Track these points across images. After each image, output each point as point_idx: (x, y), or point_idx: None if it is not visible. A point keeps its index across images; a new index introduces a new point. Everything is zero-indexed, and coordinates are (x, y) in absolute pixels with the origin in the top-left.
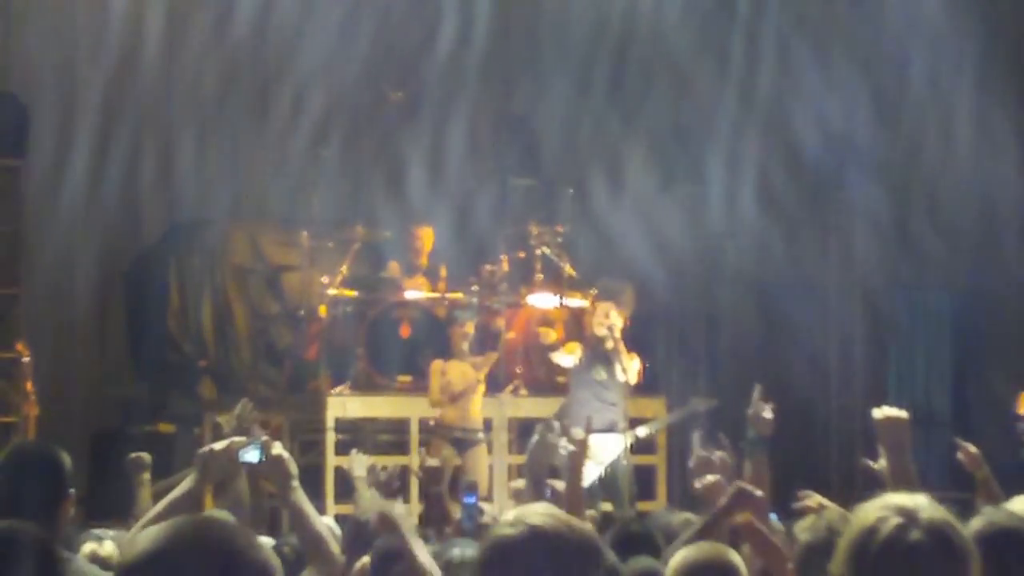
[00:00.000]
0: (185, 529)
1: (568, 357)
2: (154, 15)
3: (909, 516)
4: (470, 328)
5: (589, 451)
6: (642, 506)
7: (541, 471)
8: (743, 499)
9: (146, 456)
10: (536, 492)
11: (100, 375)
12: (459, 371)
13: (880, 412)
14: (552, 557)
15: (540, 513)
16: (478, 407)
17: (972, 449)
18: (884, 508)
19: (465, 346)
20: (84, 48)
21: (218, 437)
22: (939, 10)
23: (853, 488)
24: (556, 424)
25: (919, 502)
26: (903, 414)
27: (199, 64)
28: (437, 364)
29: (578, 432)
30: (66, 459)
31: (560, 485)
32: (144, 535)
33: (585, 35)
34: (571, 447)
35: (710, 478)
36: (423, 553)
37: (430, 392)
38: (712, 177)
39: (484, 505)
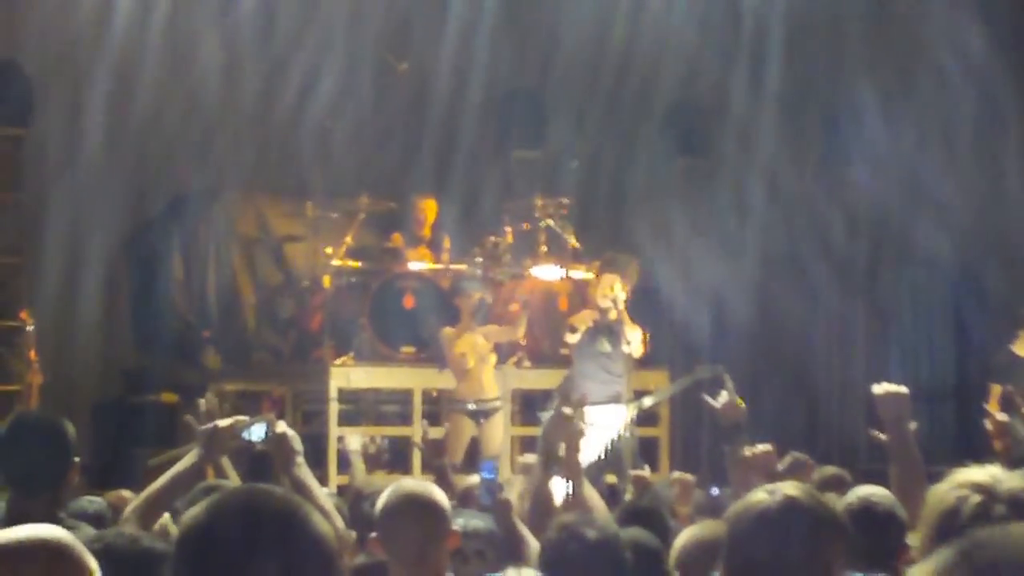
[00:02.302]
0: (241, 498)
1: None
2: None
3: (988, 492)
4: (477, 298)
5: (589, 424)
6: None
7: (555, 447)
8: (799, 468)
9: None
10: (547, 469)
11: (104, 344)
12: (470, 342)
13: (880, 388)
14: (805, 528)
15: (793, 486)
16: (491, 376)
17: (1001, 417)
18: (960, 487)
19: (474, 317)
20: (90, 17)
21: (190, 436)
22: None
23: (856, 463)
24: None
25: (994, 474)
26: (902, 389)
27: (206, 35)
28: (448, 331)
29: (572, 407)
30: (70, 428)
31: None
32: (199, 506)
33: (593, 8)
34: (583, 424)
35: (761, 447)
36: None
37: (449, 360)
38: (719, 152)
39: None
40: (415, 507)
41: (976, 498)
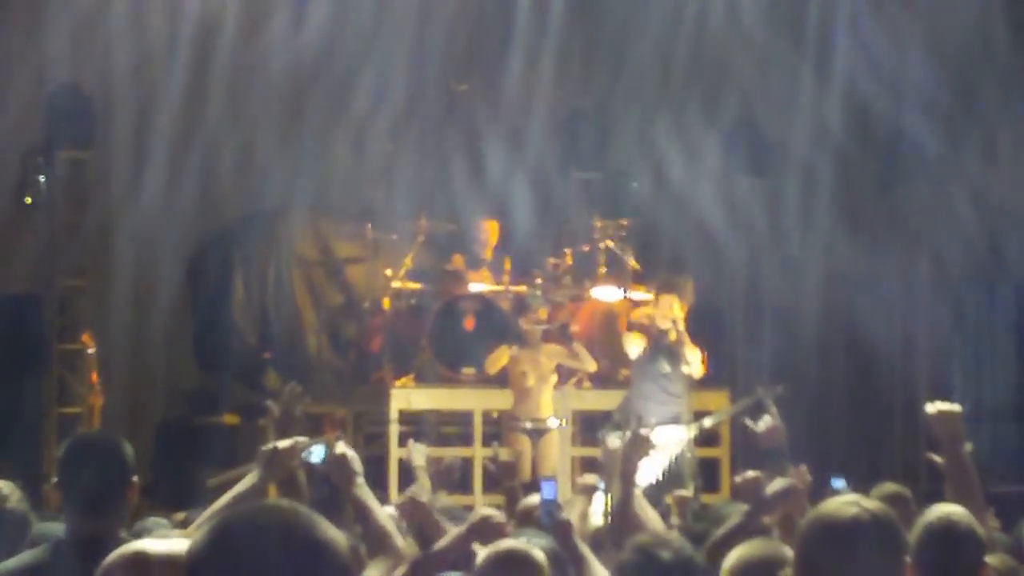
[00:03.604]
0: (248, 512)
1: (635, 347)
2: (231, 8)
3: None
4: (543, 315)
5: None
6: (706, 498)
7: (633, 467)
8: (789, 495)
9: None
10: (627, 488)
11: (168, 366)
12: (531, 361)
13: (933, 407)
14: (878, 542)
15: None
16: (549, 399)
17: None
18: None
19: (538, 333)
20: (155, 40)
21: (268, 420)
22: None
23: (918, 481)
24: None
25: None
26: (955, 407)
27: (269, 58)
28: (508, 350)
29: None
30: (127, 447)
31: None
32: (205, 522)
33: (655, 26)
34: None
35: (749, 473)
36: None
37: (509, 378)
38: (780, 169)
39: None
40: (514, 565)
41: None
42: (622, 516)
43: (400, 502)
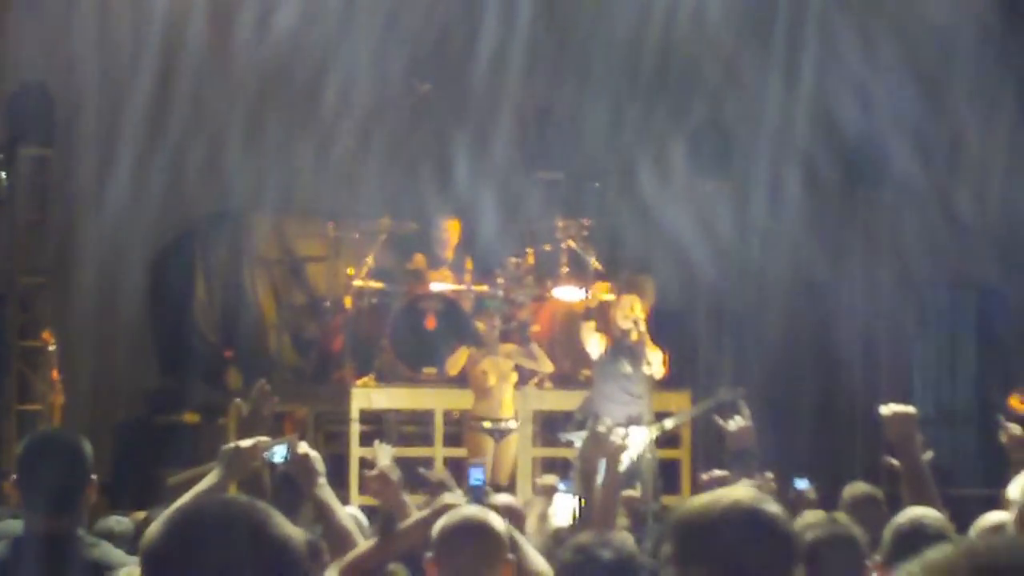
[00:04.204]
0: (204, 507)
1: (596, 347)
2: (197, 8)
3: None
4: (496, 321)
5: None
6: (666, 500)
7: (592, 466)
8: None
9: None
10: (587, 487)
11: (129, 365)
12: (492, 361)
13: (887, 409)
14: (755, 535)
15: (745, 493)
16: (510, 398)
17: (1018, 431)
18: None
19: (496, 333)
20: (122, 39)
21: (238, 420)
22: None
23: (877, 485)
24: (606, 418)
25: None
26: (909, 409)
27: (235, 58)
28: (468, 350)
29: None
30: (86, 446)
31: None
32: (162, 516)
33: (622, 27)
34: (621, 439)
35: (717, 472)
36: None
37: (470, 378)
38: (743, 173)
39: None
40: (472, 531)
41: None
42: (585, 516)
43: (371, 476)
